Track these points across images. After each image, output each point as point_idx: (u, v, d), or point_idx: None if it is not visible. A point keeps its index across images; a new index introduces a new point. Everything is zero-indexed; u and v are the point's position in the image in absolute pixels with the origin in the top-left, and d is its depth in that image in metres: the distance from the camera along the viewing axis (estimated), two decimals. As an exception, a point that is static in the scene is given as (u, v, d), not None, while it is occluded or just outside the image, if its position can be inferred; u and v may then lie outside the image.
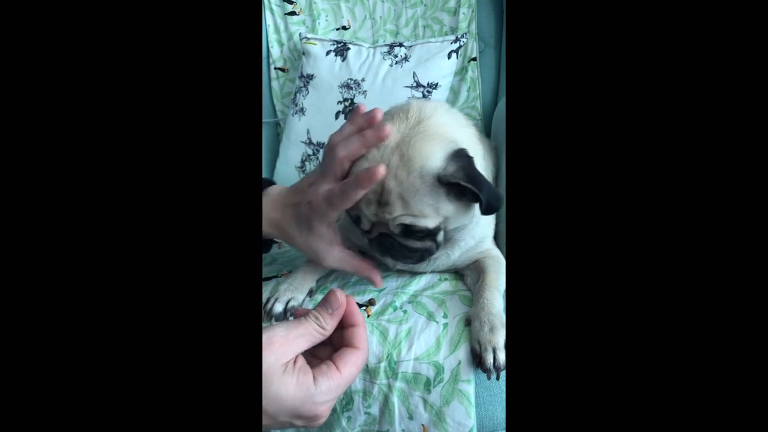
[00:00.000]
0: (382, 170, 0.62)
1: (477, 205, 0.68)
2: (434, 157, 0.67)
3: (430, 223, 0.68)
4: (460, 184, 0.65)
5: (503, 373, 0.65)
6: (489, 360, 0.64)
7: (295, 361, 0.47)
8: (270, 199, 0.77)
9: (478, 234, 0.83)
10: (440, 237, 0.72)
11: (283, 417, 0.47)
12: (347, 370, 0.49)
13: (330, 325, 0.50)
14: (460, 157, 0.68)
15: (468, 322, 0.71)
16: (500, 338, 0.65)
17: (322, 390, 0.47)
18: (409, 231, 0.69)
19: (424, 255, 0.74)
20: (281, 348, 0.47)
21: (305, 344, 0.49)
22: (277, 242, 1.16)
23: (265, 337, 0.47)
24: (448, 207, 0.68)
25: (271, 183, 0.83)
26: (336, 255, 0.75)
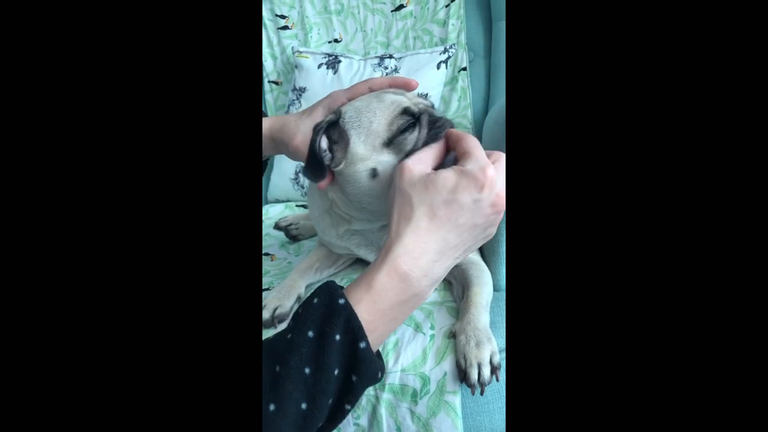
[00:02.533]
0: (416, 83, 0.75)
1: None
2: None
3: None
4: None
5: (488, 387, 0.66)
6: (474, 375, 0.65)
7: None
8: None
9: None
10: None
11: (467, 203, 0.54)
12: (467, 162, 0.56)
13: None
14: None
15: (453, 335, 0.71)
16: (486, 354, 0.66)
17: (465, 166, 0.55)
18: None
19: None
20: (418, 165, 0.57)
21: (431, 159, 0.60)
22: (270, 255, 1.18)
23: (399, 165, 0.59)
24: None
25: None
26: (304, 128, 0.73)
